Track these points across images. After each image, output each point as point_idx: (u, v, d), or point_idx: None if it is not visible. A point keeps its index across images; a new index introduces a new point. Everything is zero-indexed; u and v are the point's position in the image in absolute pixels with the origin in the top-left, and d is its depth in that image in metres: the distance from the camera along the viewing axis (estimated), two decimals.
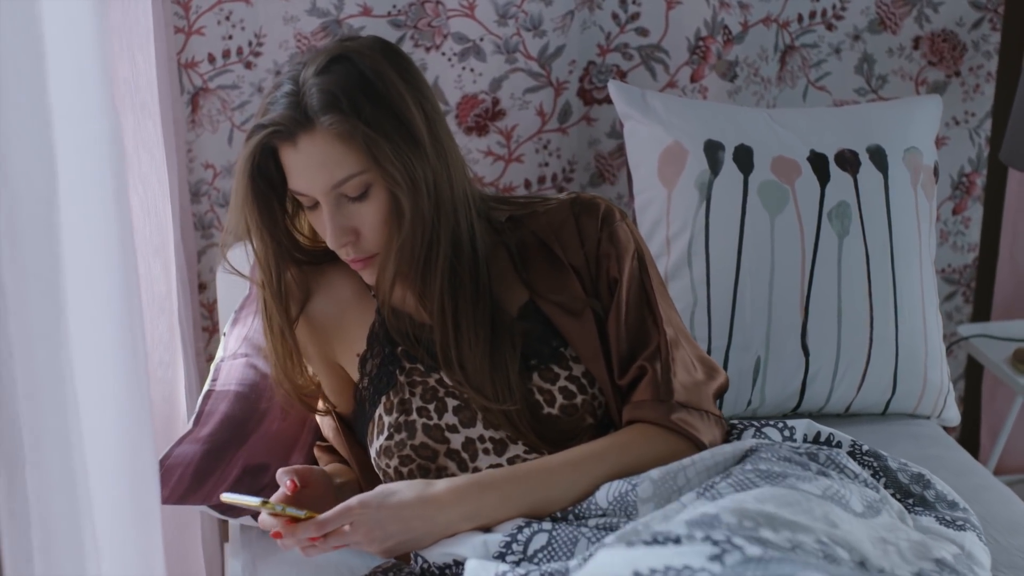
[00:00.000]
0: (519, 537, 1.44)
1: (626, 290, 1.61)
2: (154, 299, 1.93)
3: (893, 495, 1.57)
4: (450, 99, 2.33)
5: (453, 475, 1.58)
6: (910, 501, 1.58)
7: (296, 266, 1.66)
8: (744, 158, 2.08)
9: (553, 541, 1.42)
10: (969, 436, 2.82)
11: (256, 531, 1.79)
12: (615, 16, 2.35)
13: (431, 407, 1.60)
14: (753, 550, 1.17)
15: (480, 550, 1.43)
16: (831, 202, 2.08)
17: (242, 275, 1.69)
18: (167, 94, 2.10)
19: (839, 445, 1.61)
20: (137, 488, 1.19)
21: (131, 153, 1.86)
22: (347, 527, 1.45)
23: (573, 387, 1.59)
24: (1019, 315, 2.75)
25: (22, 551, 1.01)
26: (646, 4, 2.35)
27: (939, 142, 2.51)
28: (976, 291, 2.70)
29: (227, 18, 2.22)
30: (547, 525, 1.45)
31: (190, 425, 1.78)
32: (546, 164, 2.42)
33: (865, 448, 1.61)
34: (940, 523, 1.52)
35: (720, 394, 1.64)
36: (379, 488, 1.49)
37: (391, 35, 2.27)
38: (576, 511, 1.49)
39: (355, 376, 1.68)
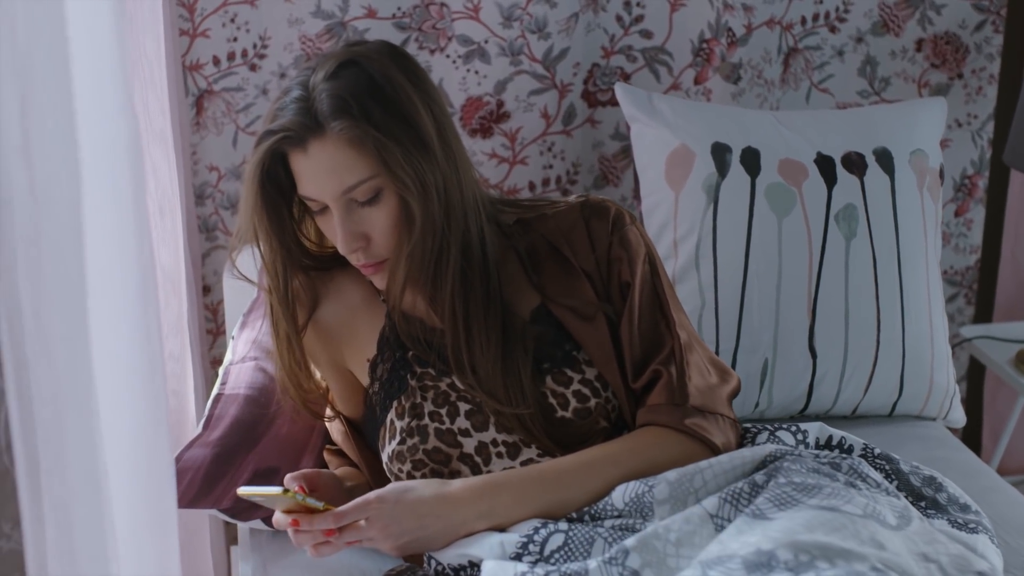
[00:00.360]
0: (536, 537, 1.43)
1: (639, 294, 1.61)
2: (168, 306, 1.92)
3: (906, 498, 1.57)
4: (454, 101, 2.32)
5: None
6: (922, 504, 1.58)
7: (304, 272, 1.66)
8: (751, 160, 2.08)
9: (570, 541, 1.42)
10: (971, 437, 2.82)
11: (267, 535, 1.79)
12: (619, 18, 2.35)
13: (443, 411, 1.60)
14: None
15: (496, 551, 1.43)
16: (838, 204, 2.07)
17: (250, 281, 1.69)
18: (175, 95, 2.09)
19: (851, 449, 1.62)
20: (154, 492, 1.18)
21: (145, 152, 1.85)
22: (363, 521, 1.45)
23: (587, 391, 1.59)
24: (1021, 316, 2.76)
25: (45, 556, 1.00)
26: (650, 6, 2.35)
27: (942, 144, 2.51)
28: (978, 293, 2.70)
29: (232, 20, 2.22)
30: (563, 526, 1.45)
31: (199, 429, 1.78)
32: (550, 166, 2.41)
33: (877, 451, 1.61)
34: (952, 526, 1.52)
35: (733, 397, 1.65)
36: (396, 484, 1.49)
37: (395, 37, 2.26)
38: (592, 512, 1.49)
39: (365, 381, 1.68)
